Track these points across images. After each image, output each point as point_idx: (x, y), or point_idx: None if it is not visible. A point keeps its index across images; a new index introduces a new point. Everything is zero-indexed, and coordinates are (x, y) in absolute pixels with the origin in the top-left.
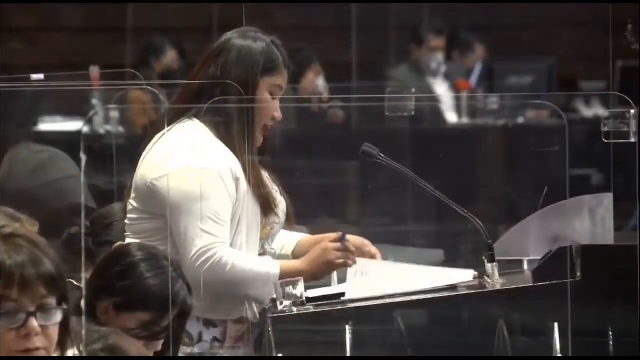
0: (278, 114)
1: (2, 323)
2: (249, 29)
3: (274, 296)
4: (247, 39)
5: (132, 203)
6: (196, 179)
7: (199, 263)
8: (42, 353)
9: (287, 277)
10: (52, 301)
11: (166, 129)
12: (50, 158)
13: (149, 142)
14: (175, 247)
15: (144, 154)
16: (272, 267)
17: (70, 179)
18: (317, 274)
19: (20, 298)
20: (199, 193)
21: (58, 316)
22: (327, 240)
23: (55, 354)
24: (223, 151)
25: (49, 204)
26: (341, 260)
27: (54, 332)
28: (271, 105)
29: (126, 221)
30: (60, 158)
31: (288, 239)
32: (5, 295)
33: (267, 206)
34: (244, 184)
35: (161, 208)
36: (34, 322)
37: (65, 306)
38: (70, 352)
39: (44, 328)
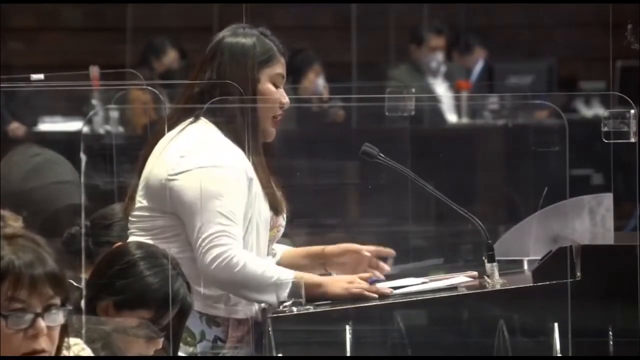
0: (286, 100)
1: (10, 324)
2: (237, 26)
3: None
4: (237, 37)
5: (140, 201)
6: (212, 177)
7: (209, 260)
8: (45, 355)
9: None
10: (57, 302)
11: (177, 129)
12: (45, 161)
13: (155, 142)
14: (189, 244)
15: (155, 152)
16: (284, 274)
17: (65, 184)
18: (332, 294)
19: (28, 299)
20: (215, 191)
21: (62, 317)
22: (356, 276)
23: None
24: (236, 151)
25: (41, 208)
26: (358, 295)
27: (57, 333)
28: (276, 96)
29: (132, 218)
30: (56, 162)
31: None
32: (14, 296)
33: (278, 206)
34: (256, 185)
35: (174, 206)
36: (42, 323)
37: (69, 307)
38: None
39: (48, 329)
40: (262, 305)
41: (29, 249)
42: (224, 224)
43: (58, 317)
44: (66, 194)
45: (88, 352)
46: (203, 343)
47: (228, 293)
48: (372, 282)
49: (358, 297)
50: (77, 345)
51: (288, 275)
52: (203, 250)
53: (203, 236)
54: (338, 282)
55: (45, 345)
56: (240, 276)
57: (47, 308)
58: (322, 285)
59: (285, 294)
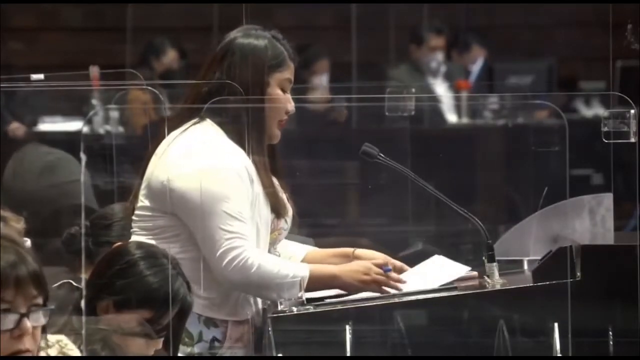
0: (291, 106)
1: None
2: (249, 27)
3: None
4: (249, 38)
5: (142, 200)
6: (215, 180)
7: (224, 264)
8: (29, 354)
9: (318, 280)
10: (40, 301)
11: (180, 129)
12: (57, 160)
13: (159, 142)
14: (196, 246)
15: (158, 152)
16: (300, 270)
17: (77, 183)
18: (348, 286)
19: (14, 299)
20: (220, 193)
21: (45, 317)
22: (371, 263)
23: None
24: (237, 152)
25: (54, 206)
26: (375, 286)
27: (39, 333)
28: (284, 100)
29: (135, 217)
30: (67, 161)
31: (296, 250)
32: (1, 297)
33: (280, 208)
34: (257, 186)
35: (174, 207)
36: (27, 323)
37: (52, 306)
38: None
39: (32, 329)
40: (263, 305)
41: (11, 249)
42: (235, 226)
43: (41, 317)
44: (79, 192)
45: (71, 347)
46: (201, 344)
47: (228, 295)
48: (386, 270)
49: (373, 288)
50: (59, 343)
51: (304, 271)
52: (217, 255)
53: (215, 241)
54: (353, 274)
55: (29, 345)
56: (256, 277)
57: (31, 308)
58: (338, 277)
59: (300, 290)
